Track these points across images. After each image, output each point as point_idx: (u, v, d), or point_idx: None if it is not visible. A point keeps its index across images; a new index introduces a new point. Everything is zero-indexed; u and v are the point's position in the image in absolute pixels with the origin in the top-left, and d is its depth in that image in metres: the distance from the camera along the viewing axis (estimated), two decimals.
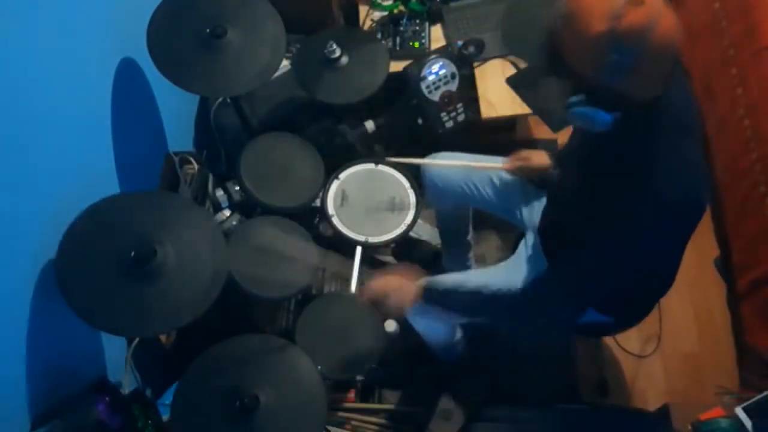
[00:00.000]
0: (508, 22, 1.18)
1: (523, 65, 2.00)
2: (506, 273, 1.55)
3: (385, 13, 2.14)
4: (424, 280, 1.41)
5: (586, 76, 1.04)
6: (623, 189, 1.14)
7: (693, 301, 2.12)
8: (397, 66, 1.93)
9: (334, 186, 1.79)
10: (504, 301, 1.37)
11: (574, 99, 1.07)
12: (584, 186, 1.24)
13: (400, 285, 1.39)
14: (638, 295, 1.48)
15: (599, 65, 1.01)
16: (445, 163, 1.71)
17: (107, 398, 1.33)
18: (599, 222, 1.18)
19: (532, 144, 2.40)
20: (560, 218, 1.43)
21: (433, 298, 1.39)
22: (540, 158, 1.61)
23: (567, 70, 1.06)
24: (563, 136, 2.23)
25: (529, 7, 1.16)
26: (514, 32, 1.17)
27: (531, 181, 1.63)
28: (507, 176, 1.66)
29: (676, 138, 1.16)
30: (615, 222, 1.16)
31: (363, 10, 2.18)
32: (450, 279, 1.48)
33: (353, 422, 1.81)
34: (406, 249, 2.06)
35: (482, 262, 2.15)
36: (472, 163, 1.67)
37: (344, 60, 1.80)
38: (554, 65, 1.08)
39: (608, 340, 2.06)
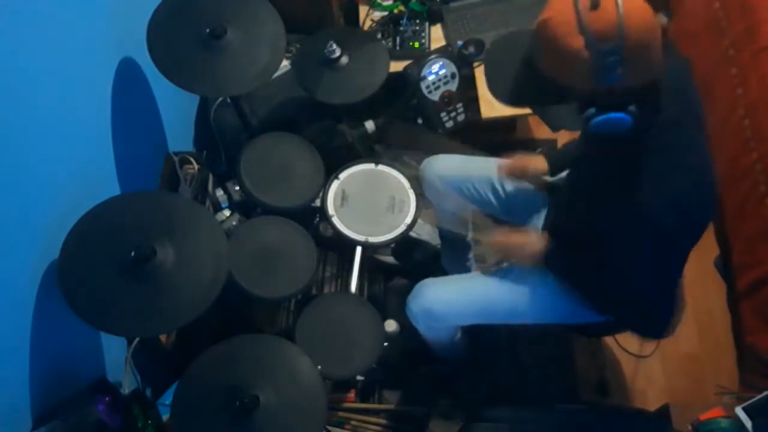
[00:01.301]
0: (494, 79, 1.22)
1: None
2: (509, 274, 1.55)
3: (385, 13, 2.15)
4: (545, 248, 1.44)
5: (586, 89, 1.06)
6: (639, 186, 1.14)
7: (693, 301, 2.11)
8: (397, 66, 1.93)
9: (334, 186, 1.79)
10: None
11: (587, 114, 1.09)
12: (597, 189, 1.25)
13: (528, 243, 1.46)
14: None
15: (593, 74, 1.03)
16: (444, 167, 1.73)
17: (107, 398, 1.33)
18: (610, 223, 1.18)
19: (532, 144, 2.40)
20: (567, 221, 1.42)
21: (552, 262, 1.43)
22: (536, 163, 1.61)
23: (567, 93, 1.09)
24: (563, 136, 2.23)
25: (504, 57, 1.20)
26: (503, 86, 1.20)
27: (537, 186, 1.63)
28: (507, 178, 1.66)
29: (693, 132, 1.17)
30: (630, 220, 1.16)
31: (363, 10, 2.18)
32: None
33: (353, 422, 1.81)
34: (406, 249, 2.06)
35: (482, 262, 2.15)
36: (469, 172, 1.68)
37: (344, 60, 1.80)
38: (553, 94, 1.11)
39: (608, 340, 2.06)
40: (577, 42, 1.01)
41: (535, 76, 1.11)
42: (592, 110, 1.08)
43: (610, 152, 1.18)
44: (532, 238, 1.46)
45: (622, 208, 1.17)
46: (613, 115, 1.07)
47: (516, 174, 1.62)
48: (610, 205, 1.19)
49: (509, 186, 1.67)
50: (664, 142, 1.14)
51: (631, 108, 1.07)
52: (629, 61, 1.02)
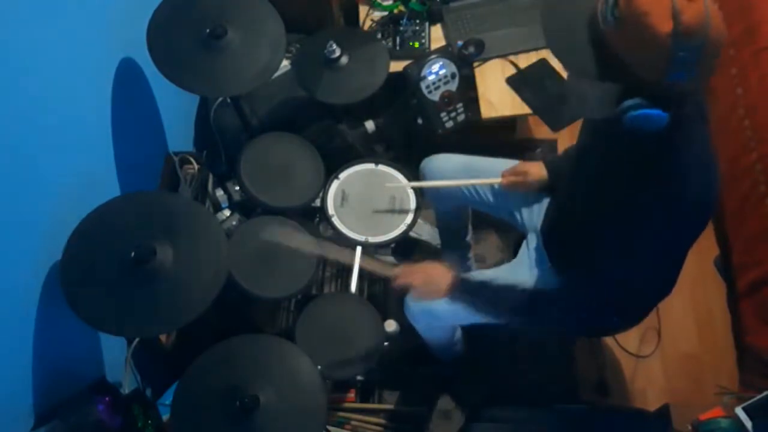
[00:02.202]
0: (550, 28, 1.13)
1: (523, 65, 2.00)
2: (511, 275, 1.55)
3: (385, 13, 2.14)
4: (458, 273, 1.42)
5: (649, 77, 1.01)
6: (652, 185, 1.13)
7: (693, 301, 2.11)
8: (397, 66, 1.93)
9: (334, 186, 1.79)
10: (534, 298, 1.38)
11: (629, 103, 1.04)
12: (604, 184, 1.22)
13: (437, 273, 1.41)
14: (641, 295, 1.48)
15: (666, 66, 0.98)
16: (443, 184, 1.72)
17: (107, 398, 1.33)
18: (617, 219, 1.18)
19: (532, 144, 2.40)
20: (568, 219, 1.42)
21: (466, 289, 1.41)
22: (536, 170, 1.59)
23: (625, 75, 1.03)
24: (563, 136, 2.23)
25: (567, 14, 1.10)
26: (560, 40, 1.12)
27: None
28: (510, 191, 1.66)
29: (702, 128, 1.16)
30: (633, 219, 1.15)
31: (363, 10, 2.18)
32: (481, 275, 1.49)
33: (353, 422, 1.81)
34: (406, 249, 2.06)
35: (482, 262, 2.15)
36: (469, 181, 1.69)
37: (344, 60, 1.80)
38: (610, 71, 1.05)
39: (608, 340, 2.06)
40: (666, 27, 0.96)
41: (595, 45, 1.04)
42: (637, 101, 1.03)
43: (628, 147, 1.14)
44: (440, 271, 1.41)
45: (627, 204, 1.16)
46: (655, 111, 1.02)
47: (516, 186, 1.62)
48: (613, 201, 1.18)
49: None
50: (679, 140, 1.13)
51: (672, 110, 1.03)
52: (702, 63, 0.98)
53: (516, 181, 1.60)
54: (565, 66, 1.15)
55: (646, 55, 1.00)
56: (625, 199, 1.16)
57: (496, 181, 1.64)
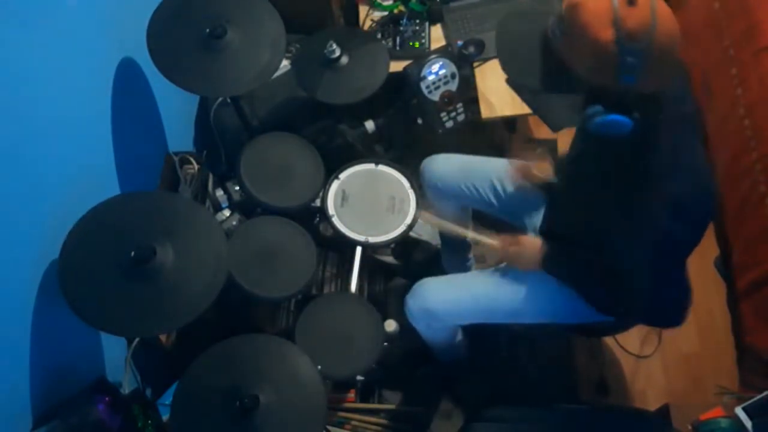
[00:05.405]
0: (504, 51, 1.17)
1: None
2: (510, 274, 1.55)
3: (385, 13, 2.15)
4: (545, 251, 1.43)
5: (601, 85, 1.04)
6: (639, 188, 1.14)
7: (693, 301, 2.11)
8: (397, 66, 1.93)
9: (334, 186, 1.79)
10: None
11: (591, 111, 1.07)
12: (595, 189, 1.23)
13: (531, 243, 1.45)
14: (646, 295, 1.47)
15: (614, 72, 1.01)
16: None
17: (107, 398, 1.33)
18: (608, 221, 1.18)
19: (532, 144, 2.40)
20: (566, 221, 1.42)
21: (558, 257, 1.42)
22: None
23: (579, 84, 1.07)
24: (563, 136, 2.23)
25: (518, 30, 1.16)
26: (514, 60, 1.16)
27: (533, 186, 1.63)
28: (507, 178, 1.66)
29: (683, 131, 1.17)
30: (626, 220, 1.16)
31: (363, 10, 2.18)
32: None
33: (353, 422, 1.81)
34: (406, 249, 2.06)
35: (482, 262, 2.15)
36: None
37: (344, 60, 1.80)
38: (563, 82, 1.09)
39: (608, 340, 2.06)
40: (607, 35, 0.99)
41: (549, 60, 1.08)
42: (598, 108, 1.06)
43: (607, 152, 1.16)
44: (533, 244, 1.44)
45: (618, 207, 1.17)
46: (616, 117, 1.05)
47: (524, 176, 1.61)
48: (606, 205, 1.19)
49: (509, 186, 1.67)
50: (660, 145, 1.14)
51: (635, 114, 1.05)
52: (651, 66, 1.01)
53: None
54: (525, 83, 1.19)
55: (593, 63, 1.04)
56: (612, 202, 1.17)
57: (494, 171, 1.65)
